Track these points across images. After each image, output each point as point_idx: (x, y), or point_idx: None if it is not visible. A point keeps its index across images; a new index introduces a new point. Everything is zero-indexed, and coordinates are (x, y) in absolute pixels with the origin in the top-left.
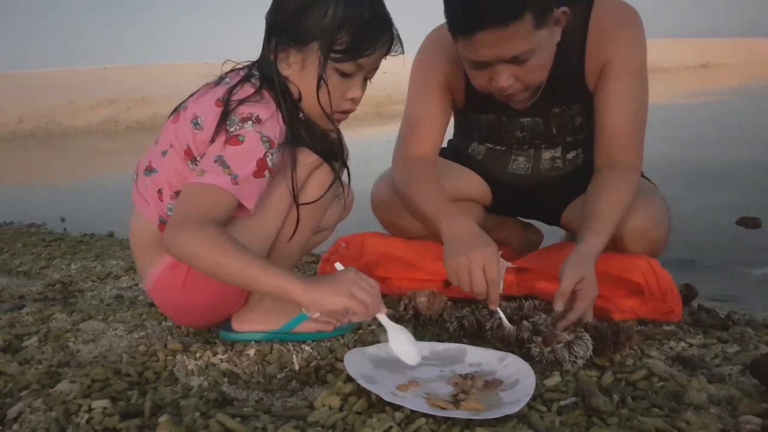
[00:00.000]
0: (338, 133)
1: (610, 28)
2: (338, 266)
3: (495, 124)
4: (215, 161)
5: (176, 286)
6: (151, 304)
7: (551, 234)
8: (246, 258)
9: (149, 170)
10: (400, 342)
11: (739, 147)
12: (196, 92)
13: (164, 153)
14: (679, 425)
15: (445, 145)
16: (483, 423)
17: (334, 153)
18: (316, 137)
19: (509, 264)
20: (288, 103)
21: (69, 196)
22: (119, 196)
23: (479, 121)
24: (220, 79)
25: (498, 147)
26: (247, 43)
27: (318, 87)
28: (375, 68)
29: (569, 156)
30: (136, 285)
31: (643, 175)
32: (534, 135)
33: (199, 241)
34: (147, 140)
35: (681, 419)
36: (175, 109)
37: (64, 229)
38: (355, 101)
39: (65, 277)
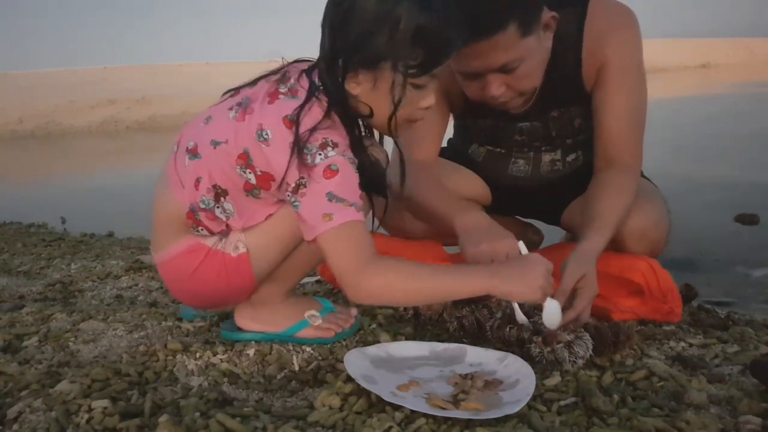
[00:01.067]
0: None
1: (606, 29)
2: (522, 248)
3: (493, 128)
4: (329, 200)
5: (187, 272)
6: (151, 304)
7: (551, 234)
8: (431, 273)
9: (194, 154)
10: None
11: (739, 147)
12: (257, 81)
13: (216, 144)
14: (679, 425)
15: (444, 144)
16: (483, 423)
17: (376, 184)
18: (363, 165)
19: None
20: (355, 130)
21: (69, 196)
22: (119, 196)
23: (477, 126)
24: (283, 76)
25: (498, 150)
26: (247, 43)
27: (395, 112)
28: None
29: (569, 159)
30: (136, 285)
31: (643, 175)
32: (533, 138)
33: (383, 277)
34: (147, 140)
35: (681, 419)
36: (232, 96)
37: (64, 229)
38: (429, 108)
39: (65, 277)
